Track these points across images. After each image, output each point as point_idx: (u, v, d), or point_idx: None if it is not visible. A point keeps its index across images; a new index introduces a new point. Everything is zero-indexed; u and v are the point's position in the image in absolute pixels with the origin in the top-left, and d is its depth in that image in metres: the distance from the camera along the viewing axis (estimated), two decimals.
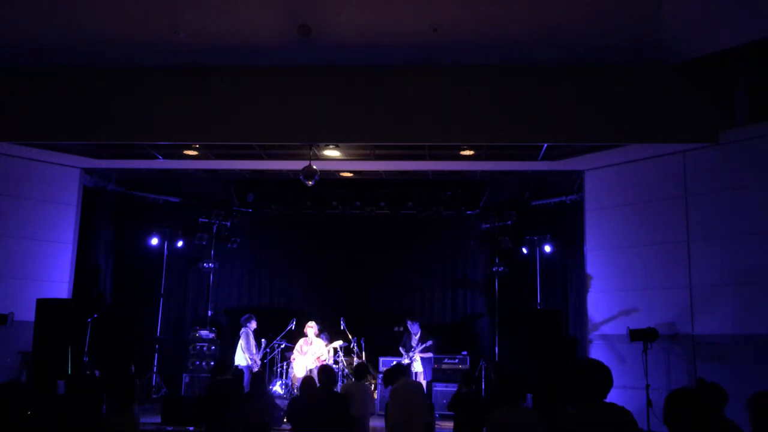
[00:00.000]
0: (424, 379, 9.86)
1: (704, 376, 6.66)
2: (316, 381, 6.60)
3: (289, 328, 10.39)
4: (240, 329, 10.12)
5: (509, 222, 10.91)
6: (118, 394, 5.01)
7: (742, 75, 7.44)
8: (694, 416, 2.69)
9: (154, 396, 10.20)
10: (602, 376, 3.38)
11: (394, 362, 8.89)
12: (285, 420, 7.82)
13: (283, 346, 10.36)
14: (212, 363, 10.04)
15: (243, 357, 9.93)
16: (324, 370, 6.68)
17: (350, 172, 10.00)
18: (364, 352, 10.43)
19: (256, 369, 9.92)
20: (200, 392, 9.26)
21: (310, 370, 9.70)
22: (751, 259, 7.35)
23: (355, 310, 11.00)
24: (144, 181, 10.72)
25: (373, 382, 10.47)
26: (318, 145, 8.41)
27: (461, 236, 11.67)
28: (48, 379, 7.36)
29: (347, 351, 10.57)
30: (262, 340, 10.25)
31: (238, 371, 9.91)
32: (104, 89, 8.02)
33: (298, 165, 8.50)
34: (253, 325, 10.20)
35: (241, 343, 10.00)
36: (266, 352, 10.27)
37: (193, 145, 8.58)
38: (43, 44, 7.68)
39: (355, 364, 8.96)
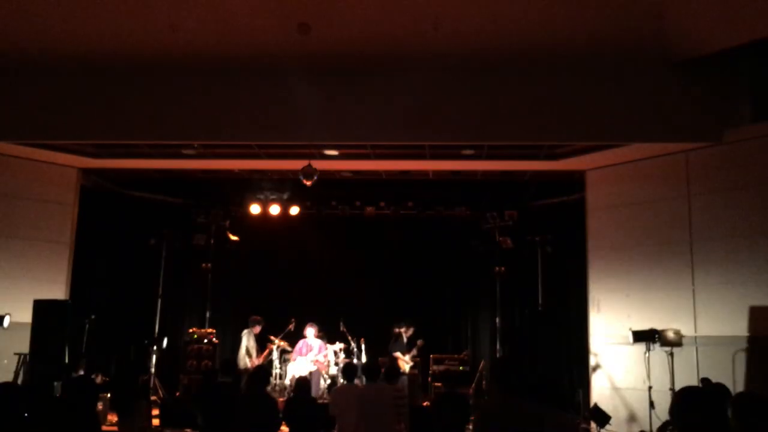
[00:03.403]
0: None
1: (706, 376, 6.64)
2: (312, 382, 6.56)
3: (288, 328, 10.34)
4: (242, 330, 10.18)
5: (509, 222, 10.87)
6: (123, 398, 4.96)
7: (746, 74, 7.39)
8: (703, 414, 2.64)
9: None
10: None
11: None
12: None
13: (281, 347, 10.31)
14: (210, 364, 9.97)
15: (243, 359, 9.91)
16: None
17: (350, 172, 9.95)
18: (363, 353, 10.38)
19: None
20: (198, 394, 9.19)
21: (310, 372, 9.66)
22: (755, 258, 7.32)
23: (354, 311, 10.94)
24: (143, 181, 10.65)
25: None
26: (318, 145, 8.36)
27: (461, 236, 11.62)
28: (45, 381, 7.31)
29: (347, 352, 10.53)
30: (274, 347, 10.19)
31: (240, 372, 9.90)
32: (103, 89, 7.97)
33: (298, 165, 8.46)
34: (255, 329, 10.16)
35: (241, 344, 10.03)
36: (267, 354, 10.22)
37: (193, 145, 8.53)
38: (42, 44, 7.62)
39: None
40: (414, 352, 10.05)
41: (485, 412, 3.57)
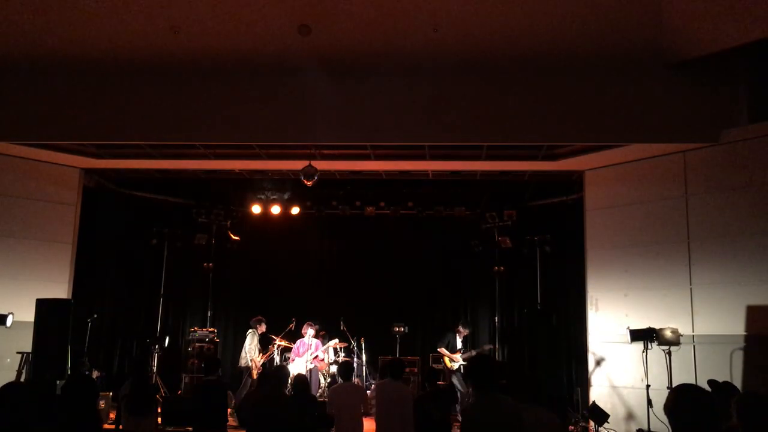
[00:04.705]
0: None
1: (704, 376, 6.68)
2: (311, 381, 6.58)
3: (288, 328, 10.39)
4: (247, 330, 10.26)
5: (509, 222, 10.92)
6: (137, 400, 4.97)
7: (744, 75, 7.43)
8: (696, 411, 2.66)
9: None
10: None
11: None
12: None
13: (282, 346, 10.36)
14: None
15: (245, 358, 9.97)
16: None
17: (350, 172, 10.00)
18: (364, 353, 10.43)
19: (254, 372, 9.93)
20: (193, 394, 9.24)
21: (309, 371, 9.71)
22: (752, 258, 7.36)
23: (354, 310, 10.99)
24: (144, 181, 10.71)
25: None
26: (318, 145, 8.41)
27: (461, 236, 11.66)
28: (48, 380, 7.36)
29: (347, 351, 10.57)
30: (276, 346, 10.28)
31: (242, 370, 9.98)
32: (105, 90, 8.02)
33: (298, 165, 8.51)
34: (260, 328, 10.20)
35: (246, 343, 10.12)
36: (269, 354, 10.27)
37: (193, 145, 8.57)
38: (45, 45, 7.67)
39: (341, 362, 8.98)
40: (472, 352, 10.17)
41: (466, 414, 3.59)
